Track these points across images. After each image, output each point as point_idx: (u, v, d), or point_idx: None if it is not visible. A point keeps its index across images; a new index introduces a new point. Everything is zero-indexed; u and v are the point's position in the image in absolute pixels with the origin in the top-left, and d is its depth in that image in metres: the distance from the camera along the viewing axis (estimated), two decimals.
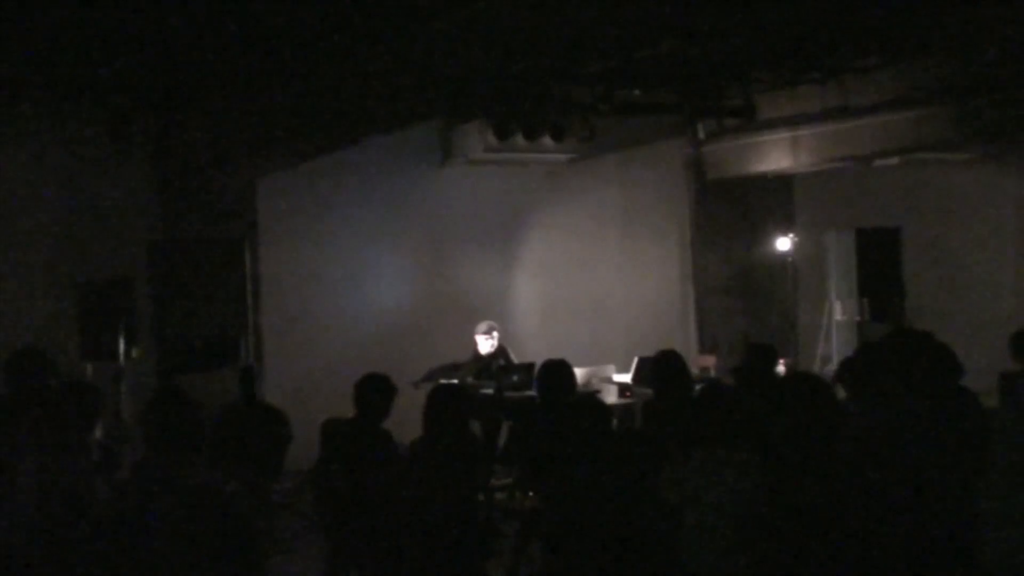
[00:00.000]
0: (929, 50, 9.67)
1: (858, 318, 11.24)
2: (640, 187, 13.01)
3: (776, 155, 12.04)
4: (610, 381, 10.29)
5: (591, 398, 7.05)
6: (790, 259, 12.79)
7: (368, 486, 5.97)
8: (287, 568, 7.35)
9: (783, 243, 12.78)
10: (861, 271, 11.22)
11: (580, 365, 8.19)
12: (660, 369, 6.90)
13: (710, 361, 12.05)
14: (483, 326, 10.53)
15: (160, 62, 8.55)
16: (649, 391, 7.93)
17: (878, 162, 12.18)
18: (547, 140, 10.89)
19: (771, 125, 11.70)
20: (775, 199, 13.30)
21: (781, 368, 9.24)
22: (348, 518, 6.11)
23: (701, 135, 11.78)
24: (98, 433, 5.42)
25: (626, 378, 10.23)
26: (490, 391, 9.96)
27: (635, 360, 10.13)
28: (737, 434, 4.82)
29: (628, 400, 9.95)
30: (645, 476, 4.88)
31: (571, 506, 5.06)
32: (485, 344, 10.44)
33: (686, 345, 12.38)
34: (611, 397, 9.90)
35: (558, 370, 6.48)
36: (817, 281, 13.05)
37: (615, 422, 8.11)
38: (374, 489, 5.92)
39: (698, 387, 6.30)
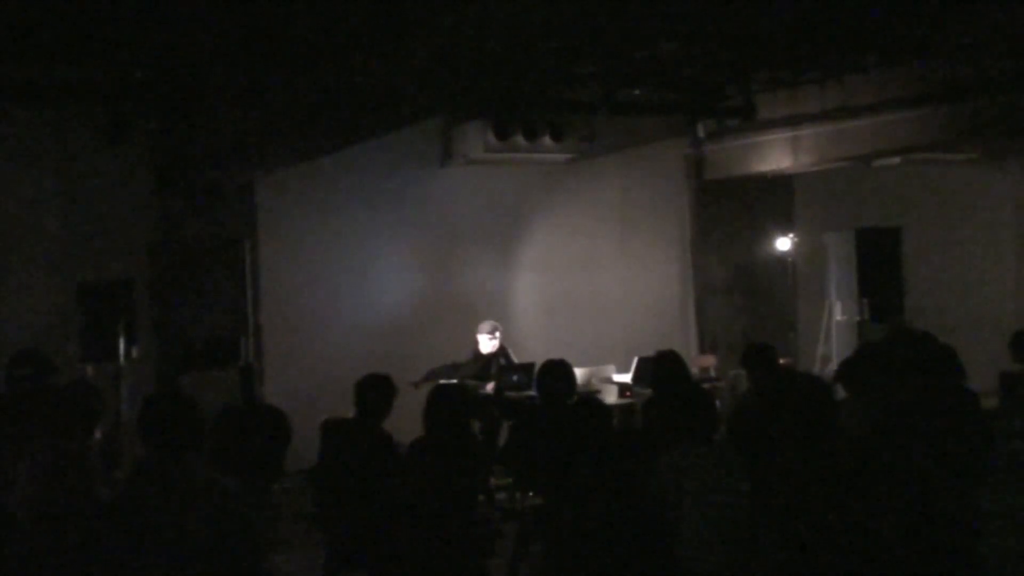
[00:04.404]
0: (929, 50, 9.67)
1: (858, 318, 11.24)
2: (640, 187, 13.00)
3: (776, 155, 12.04)
4: (610, 381, 10.29)
5: (591, 398, 7.05)
6: (790, 259, 12.79)
7: (368, 486, 5.97)
8: (287, 568, 7.34)
9: (783, 243, 12.78)
10: (861, 271, 11.21)
11: (580, 365, 8.20)
12: (660, 369, 6.92)
13: (710, 361, 12.07)
14: (487, 326, 10.49)
15: (159, 63, 8.54)
16: (649, 391, 7.93)
17: (878, 162, 12.19)
18: (547, 140, 10.88)
19: (771, 125, 11.70)
20: (775, 199, 13.31)
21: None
22: (348, 518, 6.10)
23: (701, 135, 11.78)
24: (98, 433, 5.41)
25: (626, 378, 10.23)
26: (490, 391, 9.97)
27: (635, 360, 10.14)
28: (733, 430, 4.82)
29: (628, 400, 9.96)
30: (645, 476, 4.88)
31: (571, 506, 5.06)
32: (488, 344, 10.40)
33: (686, 345, 12.38)
34: (611, 397, 9.90)
35: (558, 370, 6.49)
36: (817, 281, 13.03)
37: (615, 422, 8.11)
38: (374, 489, 5.92)
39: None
